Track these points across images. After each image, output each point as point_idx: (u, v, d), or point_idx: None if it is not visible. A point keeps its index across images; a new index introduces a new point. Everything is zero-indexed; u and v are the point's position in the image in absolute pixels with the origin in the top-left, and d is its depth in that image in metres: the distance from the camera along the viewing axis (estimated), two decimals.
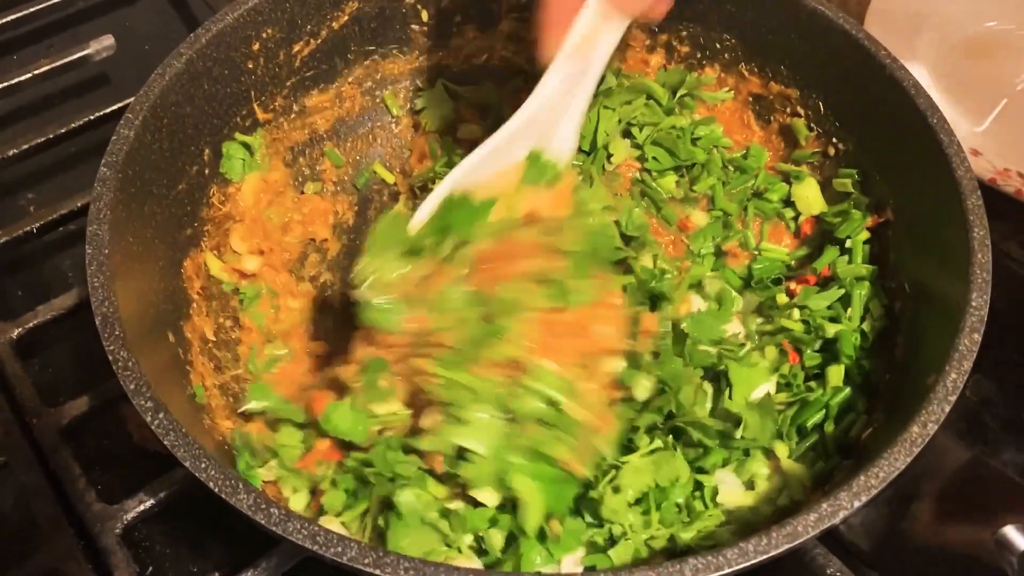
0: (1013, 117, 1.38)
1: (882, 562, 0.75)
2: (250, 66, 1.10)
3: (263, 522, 0.72)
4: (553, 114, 1.02)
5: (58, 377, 1.12)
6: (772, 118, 1.19)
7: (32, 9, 1.42)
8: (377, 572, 0.69)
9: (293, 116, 1.18)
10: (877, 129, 1.07)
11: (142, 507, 0.94)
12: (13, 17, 1.41)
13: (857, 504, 0.73)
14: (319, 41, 1.16)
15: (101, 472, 1.02)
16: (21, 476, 0.98)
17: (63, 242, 1.23)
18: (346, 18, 1.17)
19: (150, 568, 0.99)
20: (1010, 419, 1.12)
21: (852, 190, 1.10)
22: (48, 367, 1.13)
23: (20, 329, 1.08)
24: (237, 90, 1.10)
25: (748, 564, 0.70)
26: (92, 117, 1.27)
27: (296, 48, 1.14)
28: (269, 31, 1.10)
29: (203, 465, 0.74)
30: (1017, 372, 1.14)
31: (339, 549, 0.70)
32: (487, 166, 1.01)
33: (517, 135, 1.01)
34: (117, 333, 0.81)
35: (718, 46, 1.20)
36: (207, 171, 1.08)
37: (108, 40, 1.33)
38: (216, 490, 0.73)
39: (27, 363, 1.06)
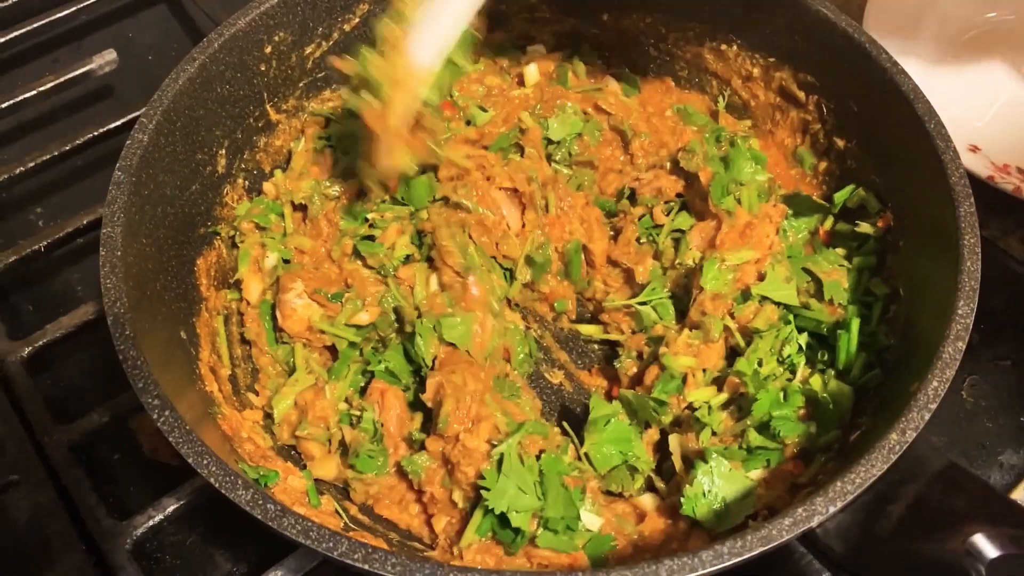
0: (1016, 109, 1.37)
1: (856, 565, 0.77)
2: (263, 68, 1.13)
3: (260, 516, 0.75)
4: None
5: (68, 392, 1.16)
6: (778, 118, 1.21)
7: (35, 25, 1.46)
8: (366, 567, 0.73)
9: (305, 116, 1.21)
10: (877, 132, 1.07)
11: (151, 522, 0.99)
12: (18, 33, 1.45)
13: (832, 509, 0.75)
14: (331, 43, 1.19)
15: (112, 486, 1.06)
16: (33, 494, 1.01)
17: (73, 257, 1.27)
18: (357, 20, 1.19)
19: None
20: (1006, 420, 1.13)
21: (860, 192, 1.11)
22: (59, 382, 1.17)
23: (30, 348, 1.12)
24: (250, 92, 1.13)
25: (723, 566, 0.73)
26: (97, 132, 1.31)
27: (308, 50, 1.17)
28: (281, 34, 1.13)
29: (205, 461, 0.78)
30: (1014, 373, 1.15)
31: (330, 544, 0.74)
32: None
33: None
34: (128, 333, 0.85)
35: (723, 47, 1.21)
36: (220, 171, 1.11)
37: (111, 55, 1.38)
38: (216, 485, 0.77)
39: (38, 379, 1.10)
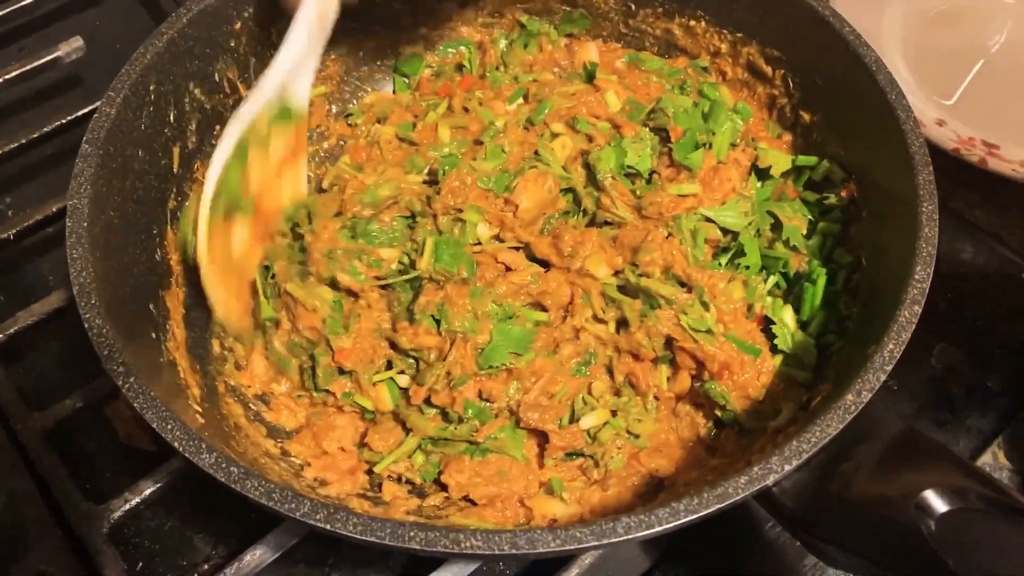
0: (982, 85, 1.40)
1: (812, 523, 0.78)
2: (232, 44, 1.13)
3: (223, 479, 0.76)
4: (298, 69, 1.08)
5: (41, 381, 1.17)
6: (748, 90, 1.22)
7: (0, 13, 1.46)
8: (328, 527, 0.74)
9: None
10: (842, 104, 1.08)
11: (128, 506, 0.99)
12: None
13: (788, 468, 0.76)
14: None
15: (88, 472, 1.07)
16: (8, 480, 1.02)
17: (42, 246, 1.28)
18: None
19: (139, 564, 1.04)
20: (974, 386, 1.16)
21: (825, 164, 1.12)
22: (31, 371, 1.17)
23: (1, 336, 1.12)
24: (220, 68, 1.13)
25: (679, 523, 0.74)
26: (65, 120, 1.31)
27: (278, 27, 1.17)
28: (250, 10, 1.13)
29: (169, 426, 0.79)
30: (981, 340, 1.17)
31: (292, 506, 0.74)
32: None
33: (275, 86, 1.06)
34: (93, 302, 0.85)
35: (692, 23, 1.22)
36: (191, 146, 1.11)
37: (77, 42, 1.37)
38: (180, 449, 0.78)
39: (10, 368, 1.10)
